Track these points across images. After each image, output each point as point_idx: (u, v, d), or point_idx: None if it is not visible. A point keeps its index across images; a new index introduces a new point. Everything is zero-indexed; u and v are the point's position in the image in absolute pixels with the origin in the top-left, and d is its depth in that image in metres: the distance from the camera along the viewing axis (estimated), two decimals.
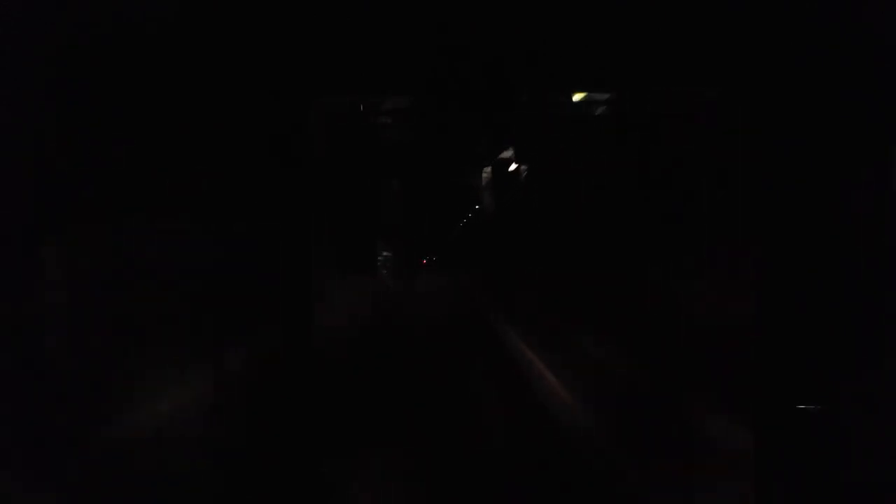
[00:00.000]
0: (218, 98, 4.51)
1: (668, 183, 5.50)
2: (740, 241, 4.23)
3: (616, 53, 4.39)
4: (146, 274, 4.10)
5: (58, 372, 3.46)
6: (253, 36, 4.28)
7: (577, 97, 7.13)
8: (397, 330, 11.97)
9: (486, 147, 11.26)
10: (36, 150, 3.41)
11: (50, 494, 3.21)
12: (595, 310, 8.86)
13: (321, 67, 4.54)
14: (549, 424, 5.76)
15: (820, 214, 3.40)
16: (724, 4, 3.99)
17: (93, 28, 3.58)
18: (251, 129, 4.85)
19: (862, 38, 3.19)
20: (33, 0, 3.31)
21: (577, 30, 4.32)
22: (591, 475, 4.54)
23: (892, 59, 3.09)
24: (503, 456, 4.90)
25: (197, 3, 4.14)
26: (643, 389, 6.21)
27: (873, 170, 3.20)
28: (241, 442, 4.46)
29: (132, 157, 4.06)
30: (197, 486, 3.82)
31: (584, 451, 4.99)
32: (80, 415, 3.52)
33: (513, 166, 11.06)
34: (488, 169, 16.24)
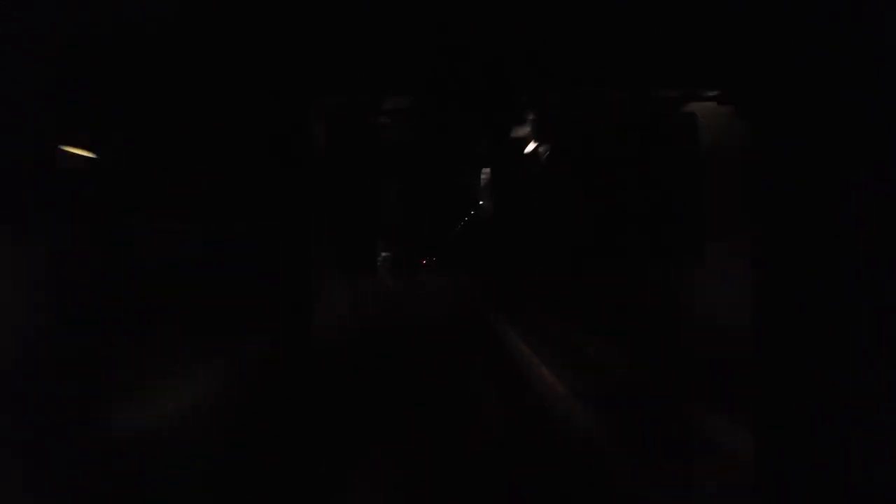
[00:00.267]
0: (218, 98, 4.51)
1: (668, 183, 5.50)
2: (740, 241, 4.23)
3: (616, 53, 4.39)
4: (144, 274, 4.10)
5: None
6: (253, 36, 4.28)
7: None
8: (397, 330, 11.99)
9: (485, 147, 11.19)
10: (36, 150, 3.41)
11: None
12: (595, 310, 8.87)
13: (321, 67, 4.55)
14: (549, 424, 5.77)
15: (819, 214, 3.40)
16: (725, 5, 3.99)
17: (93, 28, 3.58)
18: (251, 129, 4.85)
19: (862, 38, 3.19)
20: (33, 0, 3.31)
21: (576, 30, 4.32)
22: (590, 475, 4.55)
23: (892, 59, 3.08)
24: (503, 456, 4.90)
25: (197, 3, 4.14)
26: (643, 389, 6.22)
27: (872, 170, 3.19)
28: (240, 442, 4.46)
29: (132, 157, 4.06)
30: (196, 486, 3.82)
31: (583, 451, 5.00)
32: (77, 414, 3.52)
33: (531, 146, 9.79)
34: (487, 170, 16.18)
